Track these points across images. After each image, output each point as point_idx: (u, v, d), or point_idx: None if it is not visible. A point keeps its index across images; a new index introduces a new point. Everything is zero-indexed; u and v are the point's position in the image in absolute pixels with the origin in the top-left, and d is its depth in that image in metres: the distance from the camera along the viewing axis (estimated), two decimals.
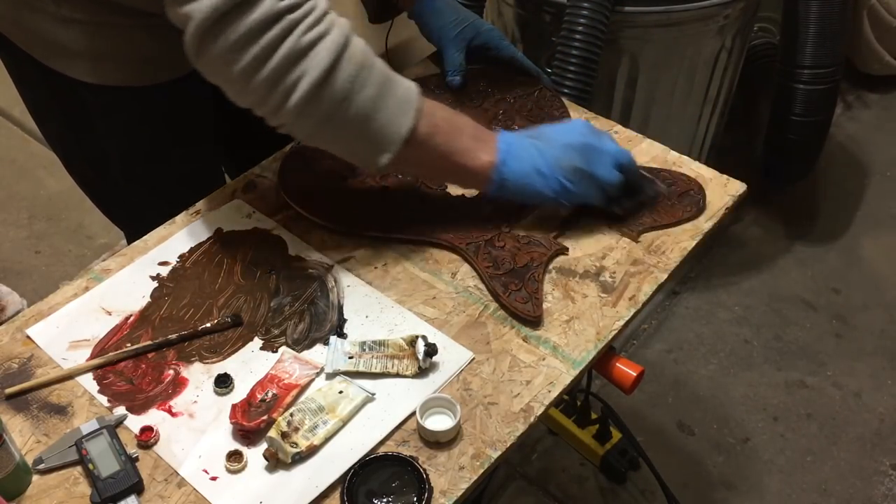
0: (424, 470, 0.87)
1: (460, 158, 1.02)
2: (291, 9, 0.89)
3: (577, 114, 1.29)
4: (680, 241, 1.10)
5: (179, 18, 0.90)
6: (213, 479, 0.87)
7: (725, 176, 1.19)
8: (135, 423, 0.92)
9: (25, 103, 1.28)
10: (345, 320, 1.02)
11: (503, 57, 1.32)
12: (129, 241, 1.40)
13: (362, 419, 0.92)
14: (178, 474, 0.88)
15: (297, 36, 0.89)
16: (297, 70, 0.90)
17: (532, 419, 0.92)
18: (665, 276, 1.06)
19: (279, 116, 0.93)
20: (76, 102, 1.17)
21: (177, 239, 1.12)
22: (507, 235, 1.09)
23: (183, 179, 1.26)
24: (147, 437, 0.90)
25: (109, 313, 1.03)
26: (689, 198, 1.15)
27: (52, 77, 1.14)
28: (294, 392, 0.93)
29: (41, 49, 1.13)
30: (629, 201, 1.11)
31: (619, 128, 1.27)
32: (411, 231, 1.10)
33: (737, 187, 1.17)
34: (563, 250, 1.09)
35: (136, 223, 1.36)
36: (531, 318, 1.01)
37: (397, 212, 1.12)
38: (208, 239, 1.12)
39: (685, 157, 1.22)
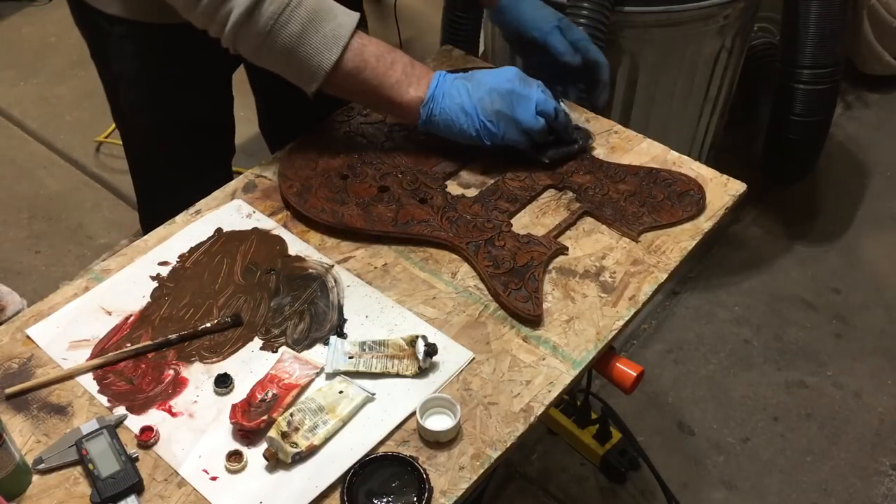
0: (424, 470, 0.87)
1: (389, 92, 1.12)
2: None
3: (577, 113, 1.29)
4: (680, 241, 1.10)
5: None
6: (213, 479, 0.87)
7: (725, 176, 1.19)
8: (135, 423, 0.92)
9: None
10: (345, 320, 1.02)
11: (590, 59, 1.31)
12: (134, 180, 1.49)
13: (362, 419, 0.92)
14: (178, 474, 0.88)
15: None
16: (225, 7, 1.04)
17: (532, 419, 0.92)
18: (665, 276, 1.06)
19: (223, 41, 1.08)
20: (96, 30, 1.27)
21: (177, 239, 1.12)
22: (508, 235, 1.09)
23: (184, 125, 1.31)
24: (147, 437, 0.90)
25: (109, 313, 1.03)
26: (689, 197, 1.15)
27: (86, 7, 1.23)
28: (294, 392, 0.93)
29: None
30: (555, 150, 1.18)
31: (619, 128, 1.27)
32: (411, 230, 1.10)
33: (737, 187, 1.17)
34: (563, 250, 1.09)
35: (144, 167, 1.45)
36: (531, 317, 1.01)
37: (397, 211, 1.12)
38: (208, 239, 1.12)
39: (685, 157, 1.22)
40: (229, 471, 0.88)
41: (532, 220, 1.13)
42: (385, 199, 1.14)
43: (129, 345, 0.99)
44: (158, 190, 1.42)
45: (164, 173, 1.39)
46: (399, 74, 1.12)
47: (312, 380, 0.96)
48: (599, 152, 1.23)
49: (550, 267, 1.07)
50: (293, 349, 0.99)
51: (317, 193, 1.14)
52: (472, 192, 1.17)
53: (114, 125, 1.89)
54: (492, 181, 1.18)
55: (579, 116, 1.28)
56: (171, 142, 1.34)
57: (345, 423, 0.91)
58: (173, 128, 1.32)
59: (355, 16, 1.10)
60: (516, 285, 1.03)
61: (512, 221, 1.12)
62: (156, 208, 1.24)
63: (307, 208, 1.12)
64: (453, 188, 1.17)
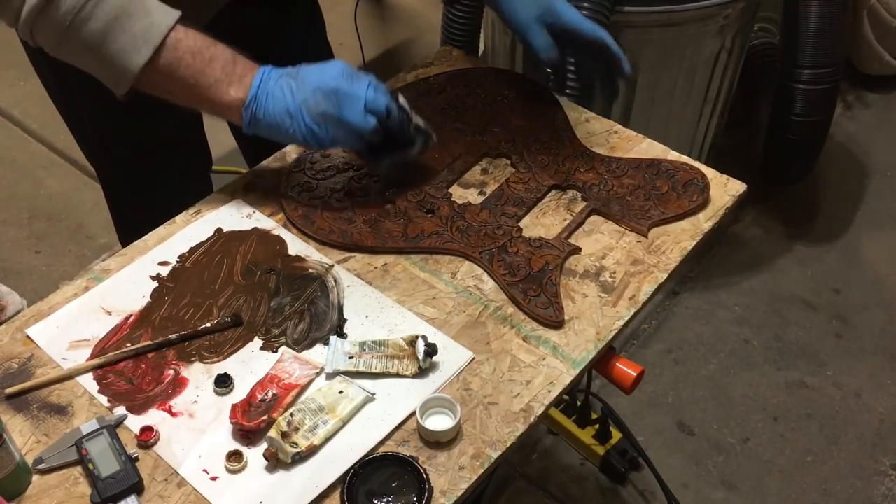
0: (424, 470, 0.87)
1: (206, 93, 1.03)
2: None
3: (577, 113, 1.29)
4: (680, 241, 1.10)
5: None
6: (213, 479, 0.87)
7: (725, 176, 1.19)
8: (135, 423, 0.92)
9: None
10: (345, 320, 1.02)
11: (588, 38, 1.21)
12: (108, 201, 1.46)
13: (362, 419, 0.92)
14: (178, 474, 0.88)
15: None
16: None
17: (532, 419, 0.92)
18: (665, 276, 1.06)
19: (19, 33, 0.99)
20: (53, 72, 1.23)
21: (177, 239, 1.12)
22: (519, 240, 1.09)
23: (157, 148, 1.28)
24: (147, 437, 0.90)
25: (109, 313, 1.03)
26: (694, 186, 1.15)
27: (33, 52, 1.18)
28: (294, 392, 0.93)
29: None
30: (389, 157, 1.10)
31: (619, 128, 1.27)
32: (423, 244, 1.09)
33: (737, 187, 1.17)
34: (576, 250, 1.09)
35: (121, 193, 1.42)
36: (553, 323, 1.00)
37: (405, 225, 1.11)
38: (208, 239, 1.12)
39: (685, 157, 1.22)
40: (229, 471, 0.88)
41: (532, 221, 1.13)
42: (392, 214, 1.13)
43: (129, 345, 0.99)
44: (137, 213, 1.33)
45: (142, 197, 1.33)
46: (218, 73, 1.02)
47: (312, 380, 0.96)
48: (599, 152, 1.22)
49: None
50: (293, 349, 0.99)
51: (322, 214, 1.13)
52: (472, 193, 1.16)
53: None
54: (495, 184, 1.17)
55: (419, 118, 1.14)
56: (146, 166, 1.30)
57: (345, 423, 0.91)
58: (146, 153, 1.29)
59: (174, 13, 1.01)
60: (535, 292, 1.03)
61: (520, 225, 1.12)
62: (134, 228, 1.18)
63: (314, 230, 1.11)
64: (454, 190, 1.17)
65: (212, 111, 1.07)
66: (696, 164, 1.20)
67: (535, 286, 1.03)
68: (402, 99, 1.08)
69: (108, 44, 0.97)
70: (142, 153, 1.29)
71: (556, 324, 1.00)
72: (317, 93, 1.03)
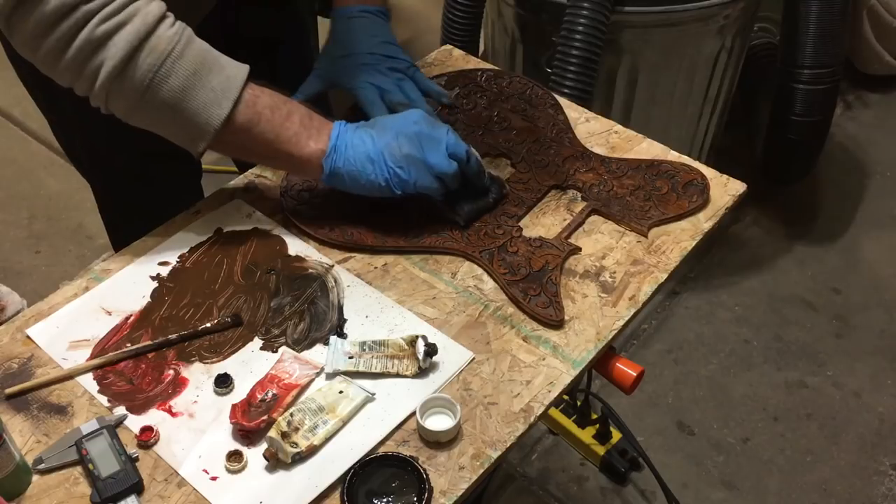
0: (424, 470, 0.87)
1: (286, 146, 1.02)
2: None
3: (577, 113, 1.29)
4: (680, 241, 1.10)
5: None
6: (213, 479, 0.87)
7: (725, 176, 1.19)
8: (135, 423, 0.92)
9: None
10: (345, 320, 1.02)
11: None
12: (102, 213, 1.45)
13: (362, 419, 0.92)
14: (178, 474, 0.88)
15: (93, 27, 0.91)
16: (95, 60, 0.92)
17: (532, 419, 0.92)
18: (665, 276, 1.06)
19: (92, 99, 0.97)
20: (44, 87, 1.17)
21: (177, 239, 1.12)
22: (519, 240, 1.09)
23: (150, 158, 1.26)
24: (147, 437, 0.90)
25: (109, 313, 1.03)
26: (694, 187, 1.15)
27: (22, 67, 1.16)
28: (294, 392, 0.93)
29: None
30: (470, 206, 1.10)
31: (619, 128, 1.27)
32: (423, 243, 1.09)
33: (737, 187, 1.17)
34: (577, 250, 1.09)
35: (113, 204, 1.41)
36: (553, 323, 1.00)
37: (406, 225, 1.11)
38: (208, 239, 1.12)
39: (685, 157, 1.22)
40: (229, 471, 0.88)
41: (532, 221, 1.13)
42: (393, 214, 1.12)
43: (129, 345, 0.99)
44: (128, 223, 1.30)
45: (136, 207, 1.30)
46: (297, 126, 1.03)
47: (312, 380, 0.96)
48: (599, 152, 1.22)
49: None
50: (293, 349, 0.99)
51: (322, 214, 1.13)
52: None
53: None
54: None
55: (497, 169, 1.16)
56: (139, 178, 1.29)
57: (345, 423, 0.91)
58: (139, 165, 1.28)
59: (245, 68, 1.00)
60: (535, 291, 1.03)
61: (520, 225, 1.12)
62: (127, 235, 1.16)
63: (314, 230, 1.11)
64: None
65: (289, 165, 1.07)
66: (696, 164, 1.20)
67: (535, 285, 1.03)
68: (472, 149, 1.09)
69: (188, 100, 0.96)
70: (135, 164, 1.28)
71: (556, 323, 1.00)
72: (399, 137, 1.03)
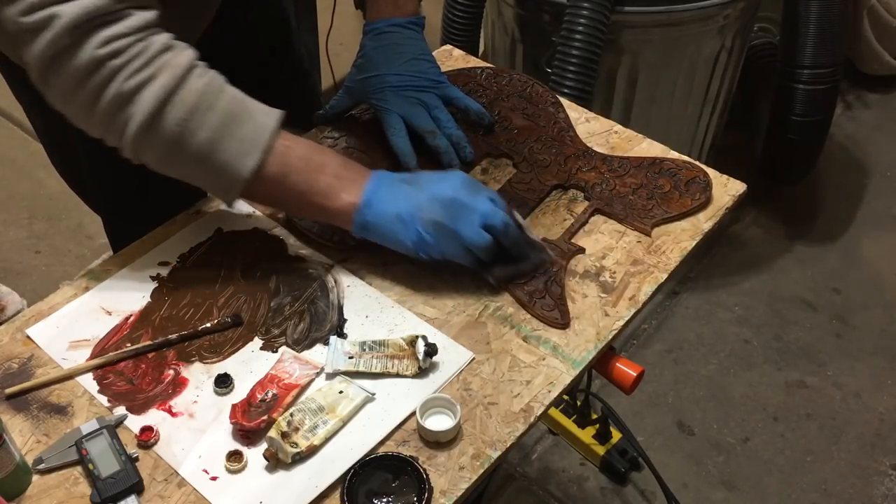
0: (424, 470, 0.87)
1: (318, 198, 1.00)
2: (114, 55, 0.90)
3: (577, 113, 1.29)
4: (680, 241, 1.10)
5: (24, 59, 0.93)
6: (213, 479, 0.87)
7: (725, 176, 1.19)
8: (135, 423, 0.92)
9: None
10: (345, 320, 1.02)
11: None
12: (108, 233, 1.44)
13: (362, 419, 0.92)
14: (178, 474, 0.88)
15: (121, 81, 0.91)
16: (123, 114, 0.92)
17: (532, 419, 0.92)
18: (665, 276, 1.06)
19: (123, 152, 0.97)
20: (44, 107, 1.18)
21: (177, 239, 1.12)
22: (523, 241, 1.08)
23: (152, 174, 1.26)
24: (147, 437, 0.90)
25: (109, 313, 1.03)
26: (696, 184, 1.15)
27: (24, 74, 1.14)
28: (294, 392, 0.93)
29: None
30: (502, 269, 1.03)
31: (618, 128, 1.27)
32: None
33: (737, 187, 1.17)
34: (580, 251, 1.08)
35: (112, 214, 1.41)
36: (559, 325, 1.00)
37: None
38: (208, 239, 1.12)
39: (685, 157, 1.22)
40: (229, 471, 0.88)
41: (531, 221, 1.13)
42: None
43: (129, 345, 0.99)
44: (128, 223, 1.28)
45: (139, 220, 1.26)
46: (329, 178, 1.00)
47: (312, 380, 0.96)
48: (600, 151, 1.22)
49: None
50: (293, 349, 0.99)
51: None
52: None
53: None
54: (497, 185, 1.17)
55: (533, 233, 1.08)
56: (143, 193, 1.25)
57: (345, 423, 0.91)
58: (140, 180, 1.23)
59: (277, 114, 0.98)
60: (540, 294, 1.03)
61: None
62: (127, 235, 1.15)
63: (315, 230, 1.10)
64: None
65: (320, 216, 1.05)
66: (698, 163, 1.20)
67: (539, 288, 1.03)
68: (517, 215, 1.04)
69: (217, 152, 0.95)
70: (139, 180, 1.26)
71: (562, 325, 1.00)
72: (433, 201, 0.99)
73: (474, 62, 1.40)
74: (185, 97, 0.93)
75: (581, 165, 1.19)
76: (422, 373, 0.95)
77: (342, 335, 1.00)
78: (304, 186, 0.99)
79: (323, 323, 1.02)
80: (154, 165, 0.98)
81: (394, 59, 1.19)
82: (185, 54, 0.94)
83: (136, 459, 0.88)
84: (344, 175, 1.01)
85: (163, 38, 0.94)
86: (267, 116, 0.97)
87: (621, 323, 1.01)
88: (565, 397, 1.75)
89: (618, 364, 1.04)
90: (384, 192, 1.00)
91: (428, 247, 0.99)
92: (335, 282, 1.06)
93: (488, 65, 1.38)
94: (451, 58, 1.41)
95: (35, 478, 0.88)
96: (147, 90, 0.92)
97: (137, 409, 0.93)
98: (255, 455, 0.89)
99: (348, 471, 0.87)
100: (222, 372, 0.96)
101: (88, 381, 0.96)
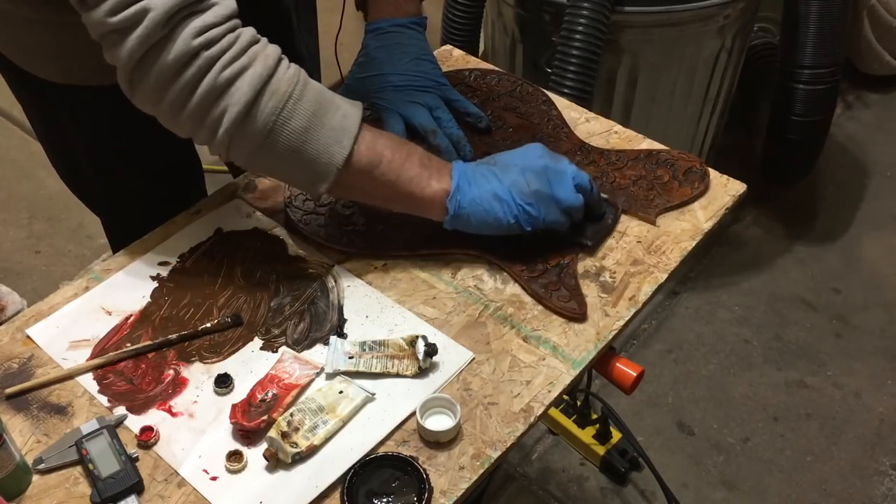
0: (424, 470, 0.87)
1: (409, 187, 0.99)
2: (208, 45, 0.89)
3: (577, 113, 1.29)
4: (680, 241, 1.10)
5: (112, 62, 0.91)
6: (213, 479, 0.87)
7: (725, 176, 1.19)
8: (135, 423, 0.92)
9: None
10: (345, 320, 1.02)
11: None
12: (108, 235, 1.43)
13: (362, 419, 0.92)
14: (178, 474, 0.88)
15: (216, 72, 0.89)
16: (219, 106, 0.90)
17: (532, 419, 0.92)
18: (665, 276, 1.06)
19: (213, 148, 0.94)
20: (45, 100, 1.18)
21: (177, 239, 1.12)
22: (530, 236, 1.08)
23: (154, 176, 1.26)
24: (147, 437, 0.90)
25: (109, 313, 1.03)
26: (694, 173, 1.16)
27: (24, 75, 1.15)
28: (294, 392, 0.93)
29: (9, 48, 1.14)
30: (593, 227, 1.08)
31: (618, 128, 1.27)
32: (435, 246, 1.08)
33: (737, 187, 1.17)
34: (587, 245, 1.08)
35: (113, 216, 1.40)
36: (577, 316, 1.00)
37: (417, 228, 1.09)
38: (208, 239, 1.12)
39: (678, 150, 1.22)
40: (229, 471, 0.88)
41: None
42: (395, 220, 1.11)
43: (129, 345, 0.99)
44: (130, 237, 1.24)
45: (139, 222, 1.25)
46: (417, 167, 0.99)
47: (312, 380, 0.96)
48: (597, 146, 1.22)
49: None
50: (293, 349, 0.99)
51: (323, 216, 1.12)
52: None
53: None
54: None
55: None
56: (141, 195, 1.28)
57: (345, 423, 0.91)
58: (142, 182, 1.27)
59: (359, 104, 0.98)
60: (555, 286, 1.03)
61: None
62: (127, 235, 1.15)
63: (323, 235, 1.10)
64: None
65: (410, 206, 1.03)
66: (692, 155, 1.20)
67: (554, 280, 1.03)
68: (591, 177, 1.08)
69: (309, 142, 0.94)
70: (138, 182, 1.27)
71: (580, 316, 1.00)
72: (526, 173, 1.00)
73: (474, 62, 1.40)
74: (278, 87, 0.92)
75: (579, 160, 1.19)
76: (422, 373, 0.96)
77: (342, 335, 1.00)
78: (393, 175, 0.98)
79: (323, 323, 1.02)
80: (245, 161, 0.96)
81: (396, 58, 1.19)
82: (272, 46, 0.94)
83: (136, 459, 0.88)
84: (429, 164, 1.01)
85: (249, 29, 0.93)
86: (352, 106, 0.97)
87: (621, 323, 1.01)
88: (565, 397, 1.75)
89: (618, 364, 1.04)
90: (472, 175, 1.01)
91: (531, 218, 1.01)
92: (335, 282, 1.06)
93: (487, 66, 1.38)
94: (451, 58, 1.41)
95: (35, 478, 0.88)
96: (242, 80, 0.90)
97: (137, 409, 0.93)
98: (255, 455, 0.89)
99: (348, 471, 0.87)
100: (222, 372, 0.96)
101: (88, 381, 0.96)
